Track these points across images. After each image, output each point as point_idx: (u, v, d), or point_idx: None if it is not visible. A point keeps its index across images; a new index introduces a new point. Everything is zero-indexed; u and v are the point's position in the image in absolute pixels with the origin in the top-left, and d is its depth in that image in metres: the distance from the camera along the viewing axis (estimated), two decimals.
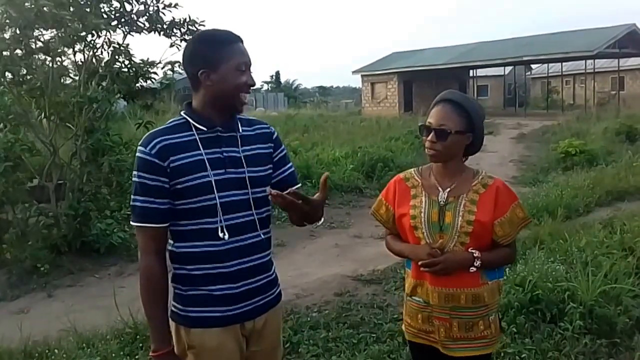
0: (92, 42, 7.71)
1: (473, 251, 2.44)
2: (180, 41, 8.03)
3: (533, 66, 46.85)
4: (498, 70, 41.66)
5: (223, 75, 2.16)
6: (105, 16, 7.60)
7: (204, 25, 8.21)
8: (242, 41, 2.23)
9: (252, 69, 2.24)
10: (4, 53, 7.08)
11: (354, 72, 40.97)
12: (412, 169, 2.72)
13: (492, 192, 2.50)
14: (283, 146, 2.45)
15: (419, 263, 2.46)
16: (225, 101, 2.20)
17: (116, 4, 7.71)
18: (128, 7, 7.75)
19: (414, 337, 2.67)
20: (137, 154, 2.16)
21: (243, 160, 2.23)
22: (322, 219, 2.24)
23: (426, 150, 2.52)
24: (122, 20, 7.69)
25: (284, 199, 2.07)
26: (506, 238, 2.50)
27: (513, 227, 2.50)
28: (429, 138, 2.48)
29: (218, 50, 2.17)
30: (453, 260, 2.43)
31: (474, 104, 2.54)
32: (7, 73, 7.25)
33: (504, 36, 60.45)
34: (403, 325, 2.79)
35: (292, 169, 2.47)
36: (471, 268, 2.44)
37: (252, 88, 2.25)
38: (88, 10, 7.37)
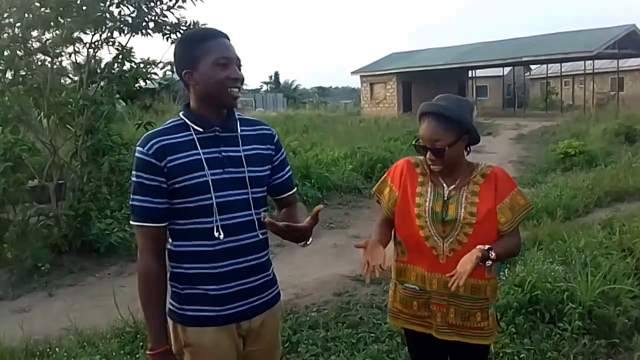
0: (95, 43, 7.73)
1: (486, 247, 2.38)
2: None
3: (532, 67, 46.81)
4: (497, 71, 41.63)
5: (202, 73, 2.15)
6: (109, 18, 7.61)
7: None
8: (224, 36, 2.21)
9: (241, 63, 2.22)
10: (4, 53, 7.09)
11: (353, 72, 40.96)
12: (421, 157, 2.67)
13: (491, 180, 2.53)
14: (283, 149, 2.45)
15: (452, 288, 2.34)
16: (213, 99, 2.18)
17: (126, 9, 7.72)
18: (131, 9, 7.76)
19: (405, 323, 2.69)
20: (136, 154, 2.18)
21: (244, 160, 2.23)
22: (311, 239, 2.22)
23: (431, 167, 2.55)
24: (129, 23, 7.68)
25: (275, 226, 2.06)
26: (508, 224, 2.49)
27: (514, 213, 2.51)
28: (428, 157, 2.50)
29: (195, 49, 2.17)
30: (469, 266, 2.33)
31: (458, 107, 2.51)
32: (7, 73, 7.26)
33: (504, 37, 60.38)
34: (389, 315, 2.78)
35: (290, 173, 2.48)
36: (487, 262, 2.38)
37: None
38: (84, 9, 7.38)
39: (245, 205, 2.22)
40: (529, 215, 2.64)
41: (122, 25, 7.66)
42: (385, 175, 2.75)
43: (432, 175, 2.61)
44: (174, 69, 2.32)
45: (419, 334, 2.65)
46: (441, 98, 2.57)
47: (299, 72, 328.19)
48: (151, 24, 7.81)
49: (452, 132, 2.46)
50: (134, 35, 7.81)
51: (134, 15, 7.65)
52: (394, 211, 2.64)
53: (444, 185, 2.57)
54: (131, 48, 7.97)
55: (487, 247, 2.39)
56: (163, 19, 7.78)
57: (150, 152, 2.13)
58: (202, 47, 2.16)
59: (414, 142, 2.59)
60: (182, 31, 7.85)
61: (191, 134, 2.18)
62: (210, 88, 2.16)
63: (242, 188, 2.21)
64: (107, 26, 7.55)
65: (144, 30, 7.77)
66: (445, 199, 2.53)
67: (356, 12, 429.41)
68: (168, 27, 7.83)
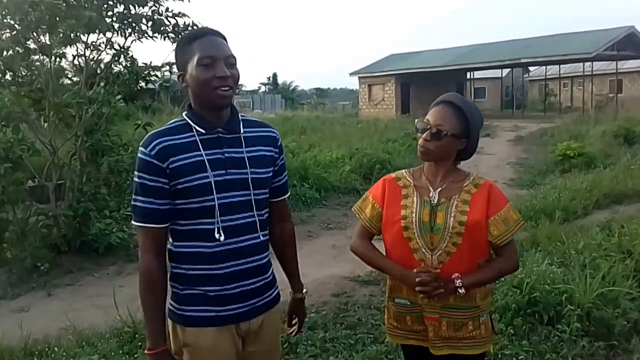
0: (92, 43, 7.74)
1: (455, 276, 2.41)
2: None
3: (531, 68, 46.80)
4: (495, 73, 41.62)
5: (190, 74, 2.15)
6: (108, 19, 7.62)
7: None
8: (213, 34, 2.19)
9: (234, 60, 2.17)
10: (4, 53, 7.10)
11: (352, 73, 40.91)
12: (404, 170, 2.69)
13: (484, 191, 2.49)
14: (284, 154, 2.46)
15: (417, 289, 2.41)
16: (203, 99, 2.17)
17: (120, 8, 7.72)
18: (132, 11, 7.77)
19: (403, 339, 2.67)
20: (138, 155, 2.17)
21: (247, 161, 2.22)
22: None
23: (418, 147, 2.51)
24: (125, 22, 7.70)
25: None
26: (501, 238, 2.45)
27: (509, 227, 2.46)
28: (424, 136, 2.47)
29: (183, 51, 2.18)
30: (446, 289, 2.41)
31: (474, 111, 2.53)
32: (7, 73, 7.27)
33: (503, 37, 60.44)
34: (387, 332, 2.77)
35: (287, 178, 2.49)
36: (458, 291, 2.41)
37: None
38: (86, 7, 7.39)
39: (248, 206, 2.22)
40: (524, 225, 2.61)
41: (119, 26, 7.68)
42: (367, 193, 2.71)
43: (416, 182, 2.58)
44: (176, 69, 2.32)
45: (416, 349, 2.63)
46: (464, 98, 2.59)
47: (298, 73, 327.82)
48: (149, 24, 7.84)
49: (459, 126, 2.46)
50: (136, 38, 7.84)
51: (125, 13, 7.68)
52: (379, 227, 2.61)
53: (430, 188, 2.53)
54: (128, 47, 8.00)
55: (457, 282, 2.40)
56: (165, 21, 7.80)
57: (153, 153, 2.13)
58: (189, 49, 2.16)
59: (416, 120, 2.57)
60: (182, 32, 7.86)
61: (194, 135, 2.18)
62: (196, 89, 2.15)
63: (245, 189, 2.21)
64: (103, 28, 7.55)
65: (140, 31, 7.79)
66: (434, 205, 2.49)
67: (355, 13, 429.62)
68: (167, 30, 7.85)
